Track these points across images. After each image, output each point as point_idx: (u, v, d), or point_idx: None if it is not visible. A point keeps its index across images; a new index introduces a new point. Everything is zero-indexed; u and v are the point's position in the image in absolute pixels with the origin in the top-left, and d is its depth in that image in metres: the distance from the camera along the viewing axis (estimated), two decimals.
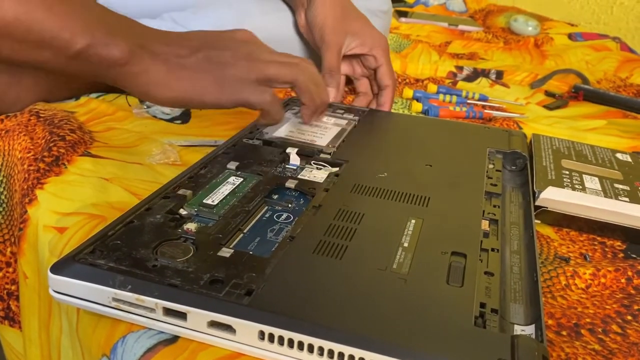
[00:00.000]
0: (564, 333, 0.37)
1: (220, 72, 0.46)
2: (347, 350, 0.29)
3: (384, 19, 0.79)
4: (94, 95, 0.64)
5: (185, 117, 0.63)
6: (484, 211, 0.45)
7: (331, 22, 0.62)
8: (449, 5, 1.30)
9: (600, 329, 0.37)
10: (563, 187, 0.50)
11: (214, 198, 0.42)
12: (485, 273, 0.37)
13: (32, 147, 0.51)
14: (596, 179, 0.53)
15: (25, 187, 0.47)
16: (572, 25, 1.19)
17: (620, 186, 0.52)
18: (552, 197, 0.48)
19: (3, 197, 0.51)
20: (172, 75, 0.44)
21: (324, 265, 0.35)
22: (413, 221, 0.41)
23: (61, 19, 0.41)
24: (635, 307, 0.40)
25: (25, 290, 0.43)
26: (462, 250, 0.38)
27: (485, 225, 0.43)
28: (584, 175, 0.53)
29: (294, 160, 0.51)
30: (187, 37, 0.47)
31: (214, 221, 0.40)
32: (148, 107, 0.63)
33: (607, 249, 0.47)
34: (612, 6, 1.24)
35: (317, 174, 0.49)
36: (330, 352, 0.30)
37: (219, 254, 0.35)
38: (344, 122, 0.61)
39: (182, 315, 0.31)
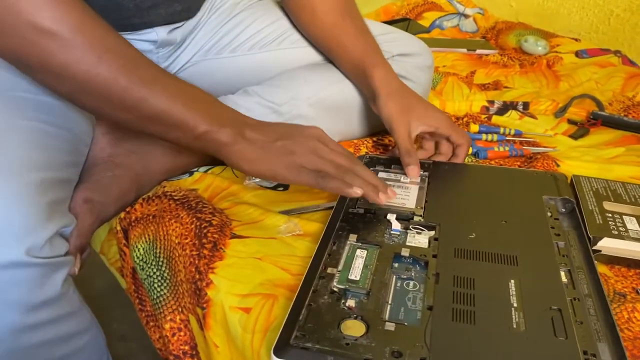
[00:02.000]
0: None
1: (290, 159, 0.60)
2: None
3: (429, 73, 0.90)
4: (202, 169, 0.76)
5: (285, 184, 0.75)
6: (558, 263, 0.58)
7: (396, 115, 0.73)
8: (462, 26, 1.42)
9: None
10: (610, 229, 0.63)
11: (355, 273, 0.55)
12: (578, 323, 0.50)
13: (185, 232, 0.63)
14: (634, 219, 0.66)
15: (194, 269, 0.59)
16: (576, 40, 1.32)
17: None
18: (607, 245, 0.61)
19: (166, 274, 0.63)
20: (257, 155, 0.60)
21: (465, 331, 0.48)
22: (512, 281, 0.54)
23: (191, 111, 0.59)
24: None
25: (218, 357, 0.55)
26: (556, 304, 0.51)
27: (563, 276, 0.56)
28: (624, 217, 0.66)
29: (396, 225, 0.63)
30: (273, 128, 0.63)
31: (363, 295, 0.52)
32: (254, 178, 0.74)
33: None
34: (609, 17, 1.36)
35: (420, 239, 0.61)
36: None
37: (386, 328, 0.48)
38: (418, 179, 0.73)
39: None
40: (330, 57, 0.85)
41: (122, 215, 0.69)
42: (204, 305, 0.56)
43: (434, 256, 0.58)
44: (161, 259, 0.64)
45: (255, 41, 0.86)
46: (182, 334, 0.61)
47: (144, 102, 0.56)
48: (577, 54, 1.24)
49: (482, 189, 0.72)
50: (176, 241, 0.62)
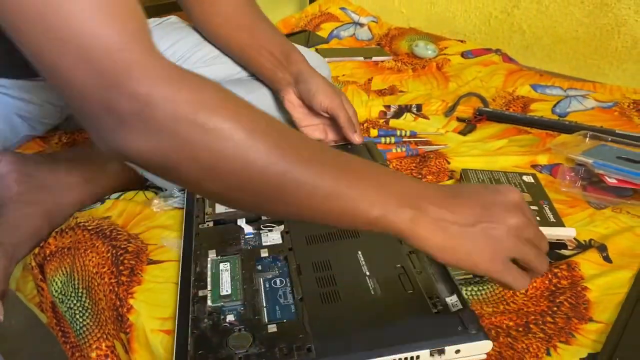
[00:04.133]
0: (520, 329, 0.57)
1: (493, 248, 0.48)
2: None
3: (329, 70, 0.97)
4: (114, 196, 0.77)
5: None
6: None
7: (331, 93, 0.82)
8: (358, 35, 1.50)
9: (540, 322, 0.58)
10: None
11: (226, 288, 0.55)
12: (418, 273, 0.56)
13: (102, 262, 0.64)
14: None
15: (114, 297, 0.61)
16: (462, 41, 1.43)
17: (532, 207, 0.74)
18: None
19: (87, 304, 0.64)
20: (452, 242, 0.47)
21: (336, 310, 0.52)
22: (360, 252, 0.59)
23: (362, 191, 0.46)
24: (557, 300, 0.61)
25: None
26: (399, 262, 0.57)
27: None
28: None
29: (247, 229, 0.65)
30: (462, 203, 0.49)
31: (240, 306, 0.53)
32: (165, 199, 0.76)
33: None
34: (489, 19, 1.48)
35: (273, 236, 0.63)
36: None
37: (270, 331, 0.50)
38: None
39: None
40: (243, 49, 0.88)
41: (37, 250, 0.69)
42: (127, 330, 0.58)
43: (290, 249, 0.61)
44: (80, 290, 0.65)
45: None
46: None
47: (303, 188, 0.45)
48: (463, 54, 1.35)
49: None
50: (94, 271, 0.64)
